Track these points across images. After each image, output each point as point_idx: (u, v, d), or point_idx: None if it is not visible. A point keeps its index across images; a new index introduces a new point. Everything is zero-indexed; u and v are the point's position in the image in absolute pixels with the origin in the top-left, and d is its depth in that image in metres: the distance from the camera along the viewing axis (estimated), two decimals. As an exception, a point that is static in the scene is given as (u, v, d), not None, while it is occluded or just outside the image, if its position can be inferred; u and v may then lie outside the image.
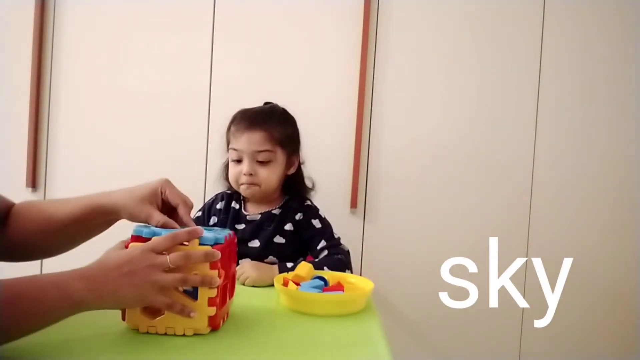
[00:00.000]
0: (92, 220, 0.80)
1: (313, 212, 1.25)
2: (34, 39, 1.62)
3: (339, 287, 0.92)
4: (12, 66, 1.64)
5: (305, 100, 1.60)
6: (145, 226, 0.74)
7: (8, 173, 1.64)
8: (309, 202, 1.27)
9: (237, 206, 1.25)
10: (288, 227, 1.20)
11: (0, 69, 1.65)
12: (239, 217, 1.23)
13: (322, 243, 1.19)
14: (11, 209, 0.83)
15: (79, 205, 0.80)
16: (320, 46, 1.63)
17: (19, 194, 1.63)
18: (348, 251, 1.20)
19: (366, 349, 0.69)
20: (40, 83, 1.64)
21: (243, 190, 1.20)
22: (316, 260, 1.13)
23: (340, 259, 1.14)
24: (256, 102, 1.33)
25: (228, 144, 1.23)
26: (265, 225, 1.20)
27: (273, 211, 1.23)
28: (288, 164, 1.24)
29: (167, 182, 0.84)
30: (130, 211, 0.78)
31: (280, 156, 1.21)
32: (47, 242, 0.83)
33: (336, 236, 1.23)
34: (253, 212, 1.23)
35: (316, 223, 1.22)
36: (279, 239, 1.19)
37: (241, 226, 1.21)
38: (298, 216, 1.22)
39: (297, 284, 0.91)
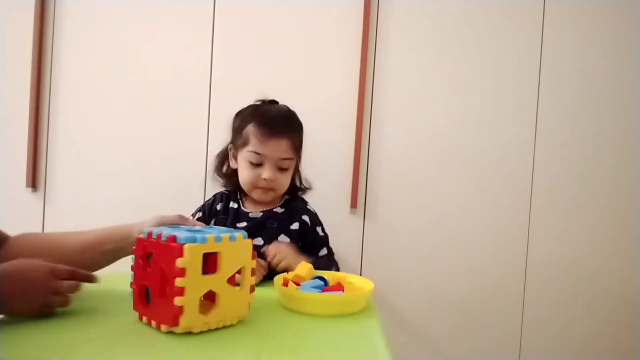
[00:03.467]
0: (103, 245, 0.84)
1: (317, 219, 1.28)
2: (34, 39, 1.62)
3: (339, 287, 0.92)
4: (12, 66, 1.64)
5: (305, 100, 1.60)
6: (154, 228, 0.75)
7: (8, 173, 1.64)
8: (309, 207, 1.29)
9: (236, 205, 1.25)
10: (294, 226, 1.21)
11: (0, 69, 1.65)
12: (239, 215, 1.24)
13: (324, 251, 1.24)
14: (5, 241, 0.84)
15: (90, 234, 0.85)
16: (320, 46, 1.63)
17: (19, 194, 1.64)
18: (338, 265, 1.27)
19: (366, 349, 0.68)
20: (40, 83, 1.64)
21: (258, 193, 1.20)
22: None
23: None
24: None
25: (244, 143, 1.21)
26: (269, 223, 1.21)
27: (274, 209, 1.23)
28: (296, 168, 1.27)
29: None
30: (140, 221, 0.85)
31: (295, 162, 1.25)
32: None
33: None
34: (253, 210, 1.24)
35: (319, 230, 1.26)
36: (283, 238, 1.20)
37: (242, 224, 1.22)
38: (305, 217, 1.23)
39: (297, 284, 0.91)
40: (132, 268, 0.74)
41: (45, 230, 1.63)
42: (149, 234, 0.72)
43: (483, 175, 1.64)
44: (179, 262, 0.65)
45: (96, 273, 0.82)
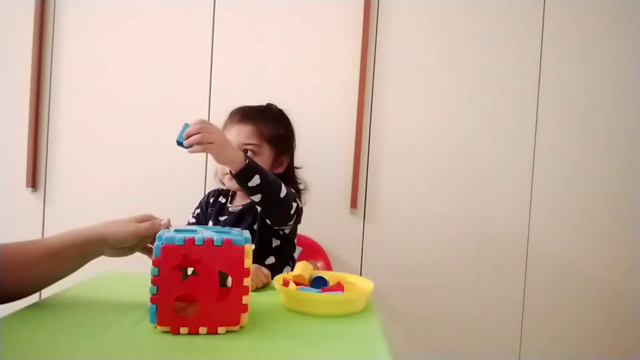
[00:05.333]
0: (70, 249, 0.79)
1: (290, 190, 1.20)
2: (34, 39, 1.62)
3: (339, 287, 0.92)
4: (12, 66, 1.64)
5: (305, 101, 1.61)
6: (170, 232, 0.72)
7: (8, 173, 1.64)
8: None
9: (224, 200, 1.27)
10: None
11: (0, 69, 1.65)
12: (222, 209, 1.25)
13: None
14: None
15: (56, 238, 0.80)
16: (321, 46, 1.63)
17: (19, 194, 1.64)
18: (297, 195, 1.18)
19: (366, 349, 0.68)
20: (40, 83, 1.64)
21: (226, 181, 1.21)
22: None
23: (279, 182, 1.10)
24: (256, 102, 1.33)
25: None
26: (247, 215, 1.21)
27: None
28: (275, 163, 1.24)
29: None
30: (114, 228, 0.83)
31: (266, 153, 1.20)
32: (12, 281, 0.77)
33: (301, 186, 1.26)
34: (239, 204, 1.24)
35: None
36: (258, 226, 1.19)
37: (223, 217, 1.23)
38: None
39: (298, 284, 0.91)
40: (155, 281, 0.68)
41: (45, 230, 1.63)
42: (189, 241, 0.68)
43: (483, 176, 1.64)
44: (247, 263, 0.70)
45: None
